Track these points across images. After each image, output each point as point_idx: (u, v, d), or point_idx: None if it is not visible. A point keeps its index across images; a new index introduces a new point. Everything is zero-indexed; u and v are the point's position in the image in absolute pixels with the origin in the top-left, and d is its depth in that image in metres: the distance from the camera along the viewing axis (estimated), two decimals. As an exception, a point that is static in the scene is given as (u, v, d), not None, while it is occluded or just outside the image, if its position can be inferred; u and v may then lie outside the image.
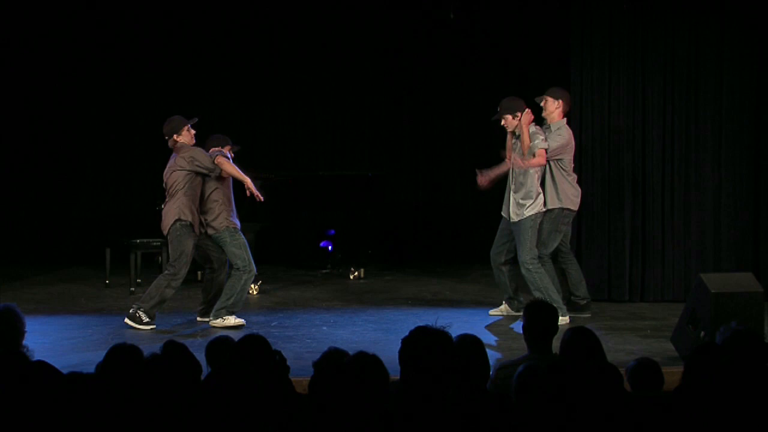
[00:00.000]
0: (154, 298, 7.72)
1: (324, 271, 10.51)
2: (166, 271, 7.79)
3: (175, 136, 7.83)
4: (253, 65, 11.28)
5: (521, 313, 8.10)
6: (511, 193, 8.01)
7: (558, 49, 10.00)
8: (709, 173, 8.91)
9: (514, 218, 7.97)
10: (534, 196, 7.95)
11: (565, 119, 8.13)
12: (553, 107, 8.08)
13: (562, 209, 8.06)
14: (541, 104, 8.12)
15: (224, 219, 7.85)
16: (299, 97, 11.41)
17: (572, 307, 8.22)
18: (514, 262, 8.13)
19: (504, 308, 8.23)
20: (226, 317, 7.77)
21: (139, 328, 7.64)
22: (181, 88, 11.03)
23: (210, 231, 7.85)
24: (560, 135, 8.04)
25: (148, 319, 7.70)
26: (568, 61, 9.08)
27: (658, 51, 8.85)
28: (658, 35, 8.85)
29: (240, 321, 7.79)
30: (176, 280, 7.73)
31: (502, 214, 8.13)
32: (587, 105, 8.90)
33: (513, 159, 7.98)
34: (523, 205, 7.94)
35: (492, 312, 8.24)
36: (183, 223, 7.68)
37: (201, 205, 7.84)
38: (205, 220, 7.85)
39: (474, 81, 11.29)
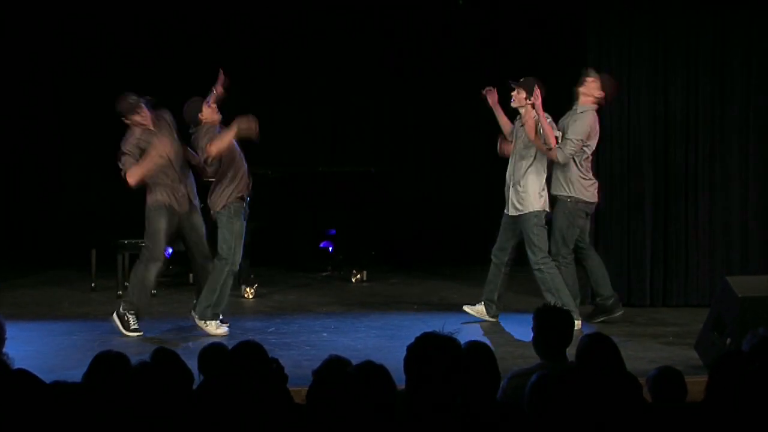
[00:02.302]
0: (136, 286, 7.74)
1: (324, 273, 10.51)
2: (142, 255, 7.79)
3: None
4: (248, 54, 11.28)
5: (496, 320, 8.21)
6: (510, 184, 8.03)
7: (574, 40, 9.99)
8: (736, 170, 8.91)
9: (513, 212, 7.97)
10: (535, 189, 7.92)
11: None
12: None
13: (576, 201, 8.04)
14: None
15: (221, 196, 7.77)
16: (297, 88, 11.40)
17: (600, 309, 8.20)
18: (512, 264, 8.18)
19: (481, 309, 8.24)
20: (210, 322, 7.74)
21: (125, 334, 7.65)
22: (172, 82, 11.01)
23: (211, 212, 7.81)
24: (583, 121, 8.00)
25: (136, 326, 7.70)
26: (584, 51, 9.07)
27: (680, 40, 8.85)
28: (680, 22, 8.85)
29: (223, 330, 7.73)
30: (153, 261, 7.72)
31: (505, 211, 8.14)
32: (604, 104, 8.89)
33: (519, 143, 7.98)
34: (523, 196, 7.92)
35: (467, 308, 8.26)
36: (158, 204, 7.72)
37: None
38: (209, 199, 7.82)
39: (483, 72, 11.26)
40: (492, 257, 8.23)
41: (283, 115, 11.47)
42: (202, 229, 7.94)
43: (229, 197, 7.76)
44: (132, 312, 7.70)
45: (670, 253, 8.94)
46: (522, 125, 8.04)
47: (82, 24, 10.97)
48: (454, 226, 11.39)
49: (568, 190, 8.02)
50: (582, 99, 8.07)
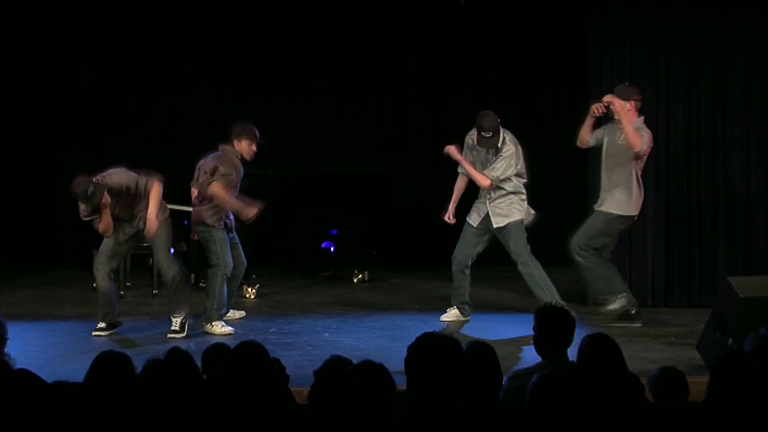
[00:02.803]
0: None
1: (325, 273, 10.51)
2: None
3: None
4: (250, 53, 11.28)
5: (469, 319, 8.28)
6: (487, 202, 8.12)
7: (576, 40, 9.99)
8: (738, 170, 8.91)
9: (500, 223, 8.07)
10: (519, 202, 8.06)
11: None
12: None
13: (620, 217, 8.04)
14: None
15: (204, 216, 7.99)
16: (299, 89, 11.40)
17: (624, 315, 8.18)
18: (472, 266, 8.31)
19: (455, 313, 8.32)
20: (215, 323, 7.89)
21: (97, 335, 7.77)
22: (173, 82, 11.04)
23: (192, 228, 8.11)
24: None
25: (102, 325, 7.78)
26: (586, 52, 9.09)
27: (682, 40, 8.86)
28: (681, 22, 8.86)
29: (228, 330, 7.86)
30: (95, 268, 7.82)
31: (469, 220, 8.24)
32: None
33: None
34: (505, 210, 8.07)
35: (444, 318, 8.33)
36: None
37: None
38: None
39: (485, 72, 11.28)
40: (455, 264, 8.31)
41: (285, 115, 11.47)
42: (158, 240, 7.89)
43: (210, 217, 7.95)
44: (101, 325, 7.81)
45: (672, 253, 8.94)
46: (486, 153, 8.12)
47: (82, 24, 10.97)
48: (455, 226, 11.37)
49: (619, 208, 8.00)
50: (623, 120, 7.95)
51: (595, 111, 7.94)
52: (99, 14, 10.91)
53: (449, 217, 8.43)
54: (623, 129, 7.84)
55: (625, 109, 7.87)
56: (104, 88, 11.09)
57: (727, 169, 8.92)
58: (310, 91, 11.43)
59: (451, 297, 8.40)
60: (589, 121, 8.03)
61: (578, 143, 8.22)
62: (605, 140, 8.05)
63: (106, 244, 7.83)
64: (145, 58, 11.04)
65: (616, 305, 8.05)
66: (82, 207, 7.67)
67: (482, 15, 11.03)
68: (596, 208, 8.09)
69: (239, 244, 8.32)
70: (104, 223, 7.66)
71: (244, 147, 7.97)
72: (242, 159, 8.06)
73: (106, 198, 7.57)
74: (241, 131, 8.00)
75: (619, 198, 7.99)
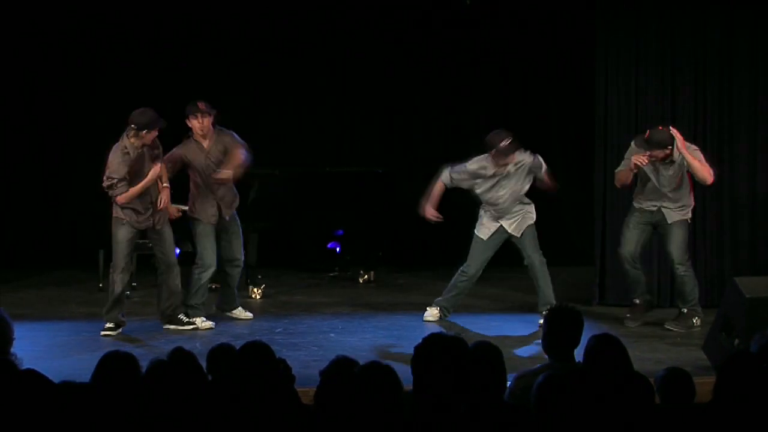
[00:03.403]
0: (108, 301, 7.87)
1: (331, 274, 10.51)
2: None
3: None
4: (255, 53, 11.29)
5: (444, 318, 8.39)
6: (500, 219, 8.31)
7: (581, 41, 9.99)
8: (744, 171, 8.91)
9: (521, 230, 8.27)
10: (526, 208, 8.31)
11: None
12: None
13: (690, 220, 8.23)
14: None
15: (189, 206, 8.17)
16: (304, 88, 11.40)
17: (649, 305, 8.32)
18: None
19: (436, 313, 8.40)
20: (196, 318, 8.02)
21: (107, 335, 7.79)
22: (177, 81, 11.04)
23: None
24: None
25: (111, 325, 7.81)
26: (592, 54, 9.08)
27: (687, 40, 8.85)
28: (687, 23, 8.85)
29: (209, 324, 8.01)
30: (116, 273, 7.81)
31: (478, 234, 8.43)
32: (612, 104, 8.90)
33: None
34: (526, 215, 8.28)
35: (428, 317, 8.38)
36: (115, 219, 7.86)
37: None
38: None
39: (491, 72, 11.28)
40: (465, 278, 8.41)
41: (291, 115, 11.48)
42: (168, 235, 8.00)
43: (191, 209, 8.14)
44: (106, 319, 7.83)
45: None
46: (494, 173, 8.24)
47: (82, 23, 10.98)
48: (461, 227, 11.38)
49: (685, 214, 8.14)
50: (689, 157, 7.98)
51: (640, 164, 7.96)
52: (101, 13, 10.92)
53: (434, 214, 8.64)
54: (689, 165, 7.93)
55: (685, 145, 7.94)
56: (107, 88, 11.09)
57: (734, 169, 8.91)
58: (315, 91, 11.43)
59: (443, 297, 8.42)
60: (630, 171, 8.09)
61: (617, 184, 8.30)
62: (648, 169, 8.05)
63: (123, 244, 7.79)
64: (147, 57, 11.04)
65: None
66: (127, 154, 7.70)
67: (488, 15, 11.02)
68: (669, 221, 8.09)
69: (239, 237, 8.31)
70: (153, 175, 7.70)
71: (192, 123, 8.05)
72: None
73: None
74: (186, 112, 8.07)
75: (688, 206, 8.17)
